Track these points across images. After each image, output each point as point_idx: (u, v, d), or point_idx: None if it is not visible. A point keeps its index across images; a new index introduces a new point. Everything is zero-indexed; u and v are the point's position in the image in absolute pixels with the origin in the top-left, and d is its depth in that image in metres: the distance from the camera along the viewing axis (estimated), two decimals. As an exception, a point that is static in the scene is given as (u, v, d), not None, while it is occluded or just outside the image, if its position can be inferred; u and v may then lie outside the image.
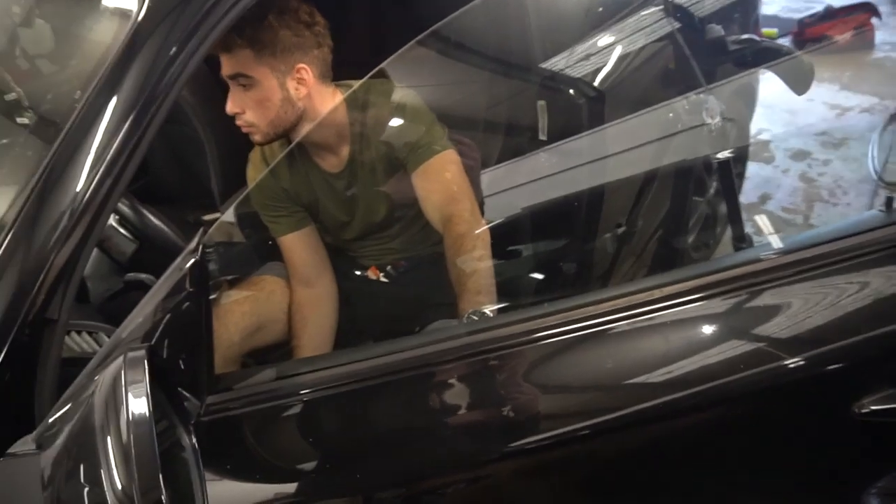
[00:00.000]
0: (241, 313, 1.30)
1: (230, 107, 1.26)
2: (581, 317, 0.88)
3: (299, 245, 1.42)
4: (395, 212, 1.44)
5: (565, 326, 0.87)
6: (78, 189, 0.93)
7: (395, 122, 1.34)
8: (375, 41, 2.02)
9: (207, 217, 2.04)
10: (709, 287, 0.91)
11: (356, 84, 1.36)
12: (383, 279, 1.53)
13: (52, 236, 0.91)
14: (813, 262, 0.92)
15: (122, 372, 0.62)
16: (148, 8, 1.02)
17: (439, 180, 1.32)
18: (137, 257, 1.23)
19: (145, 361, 0.63)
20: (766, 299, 0.91)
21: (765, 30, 2.61)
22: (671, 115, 1.37)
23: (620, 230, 1.41)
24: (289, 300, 1.41)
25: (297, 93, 1.26)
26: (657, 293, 0.89)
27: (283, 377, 0.84)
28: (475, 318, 1.15)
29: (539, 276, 1.44)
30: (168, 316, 0.73)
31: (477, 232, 1.27)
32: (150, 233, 1.20)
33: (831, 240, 0.95)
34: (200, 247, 0.73)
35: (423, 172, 1.31)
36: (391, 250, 1.51)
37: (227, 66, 1.23)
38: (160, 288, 0.74)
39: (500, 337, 0.88)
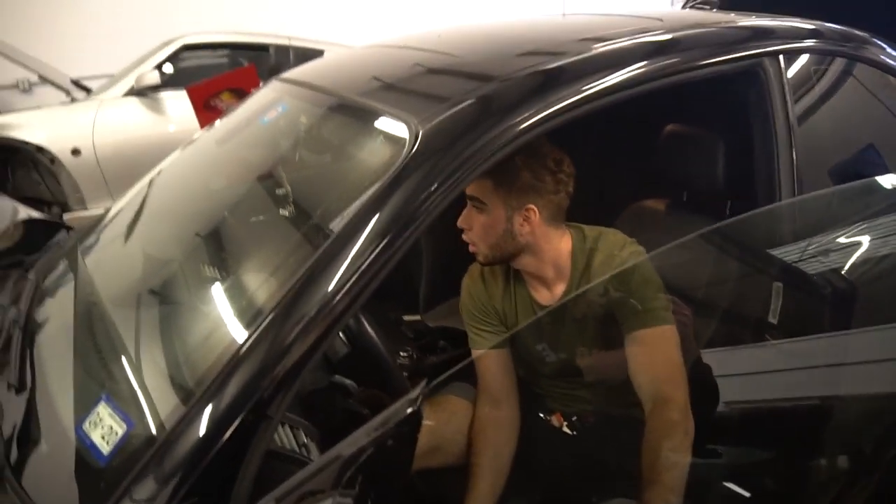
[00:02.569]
0: (421, 432, 1.31)
1: (461, 221, 1.37)
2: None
3: (496, 363, 1.42)
4: (596, 364, 1.40)
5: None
6: (329, 293, 1.01)
7: (622, 276, 1.32)
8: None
9: (408, 318, 2.15)
10: None
11: (587, 228, 1.40)
12: (566, 429, 1.47)
13: (294, 332, 0.99)
14: None
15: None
16: (419, 146, 1.13)
17: (658, 353, 1.28)
18: (346, 360, 1.30)
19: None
20: None
21: None
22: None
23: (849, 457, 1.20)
24: (469, 422, 1.40)
25: (521, 229, 1.33)
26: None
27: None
28: None
29: (736, 488, 1.28)
30: (375, 455, 0.75)
31: (687, 427, 1.19)
32: (364, 341, 1.27)
33: None
34: (420, 397, 0.75)
35: (642, 339, 1.27)
36: (580, 398, 1.45)
37: (470, 186, 1.33)
38: (376, 425, 0.76)
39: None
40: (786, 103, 1.50)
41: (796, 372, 1.27)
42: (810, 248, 1.35)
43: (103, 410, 1.07)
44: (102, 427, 1.05)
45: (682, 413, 1.20)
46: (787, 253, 1.33)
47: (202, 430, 0.96)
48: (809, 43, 1.61)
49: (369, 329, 1.28)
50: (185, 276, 1.43)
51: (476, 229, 1.35)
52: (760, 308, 1.31)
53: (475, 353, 1.47)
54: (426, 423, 1.27)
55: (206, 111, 3.10)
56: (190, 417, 0.97)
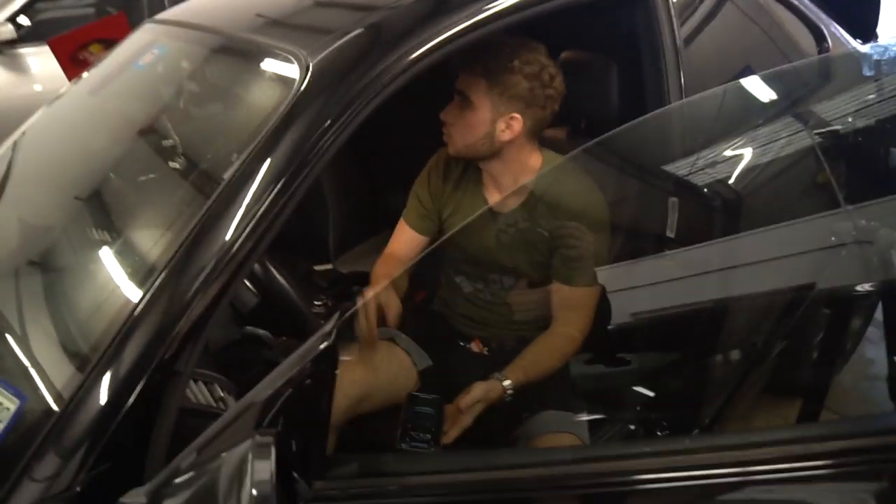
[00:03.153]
0: (351, 381, 1.31)
1: (444, 114, 1.38)
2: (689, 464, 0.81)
3: (411, 243, 1.53)
4: (521, 280, 1.46)
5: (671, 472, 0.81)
6: (226, 242, 0.97)
7: (575, 222, 1.38)
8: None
9: (319, 267, 2.11)
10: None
11: (558, 158, 1.43)
12: (486, 353, 1.51)
13: (194, 286, 0.95)
14: None
15: (250, 456, 0.62)
16: (308, 81, 1.07)
17: (579, 307, 1.38)
18: (257, 310, 1.26)
19: (272, 449, 0.63)
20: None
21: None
22: (818, 230, 1.28)
23: (743, 351, 1.31)
24: (399, 368, 1.43)
25: (502, 134, 1.35)
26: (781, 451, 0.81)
27: (393, 473, 0.82)
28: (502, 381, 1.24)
29: (645, 390, 1.37)
30: (293, 396, 0.73)
31: (577, 347, 1.35)
32: (273, 289, 1.23)
33: None
34: (335, 331, 0.73)
35: (567, 293, 1.38)
36: (498, 316, 1.50)
37: (460, 81, 1.35)
38: (291, 364, 0.74)
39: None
40: (672, 26, 1.53)
41: (694, 279, 1.35)
42: (697, 160, 1.42)
43: (-11, 388, 0.99)
44: (-10, 406, 0.97)
45: (580, 335, 1.34)
46: (676, 166, 1.39)
47: (105, 396, 0.90)
48: (692, -38, 1.65)
49: (279, 277, 1.24)
50: (70, 241, 1.32)
51: (458, 125, 1.37)
52: (658, 221, 1.38)
53: (401, 223, 1.55)
54: (344, 359, 1.28)
55: (74, 66, 2.83)
56: (89, 384, 0.91)
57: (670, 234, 1.39)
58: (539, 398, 1.37)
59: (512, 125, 1.33)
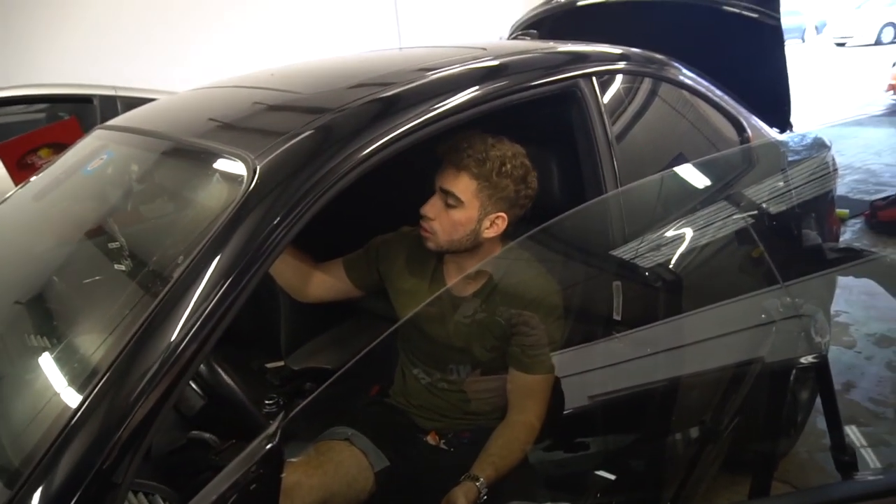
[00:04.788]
0: (308, 487, 1.27)
1: (427, 209, 1.40)
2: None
3: (338, 280, 1.57)
4: (477, 369, 1.47)
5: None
6: (172, 342, 0.95)
7: (530, 309, 1.40)
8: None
9: (270, 365, 2.06)
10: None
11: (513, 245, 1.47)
12: (443, 446, 1.48)
13: (137, 389, 0.91)
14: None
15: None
16: (256, 182, 1.10)
17: (535, 394, 1.39)
18: (203, 413, 1.22)
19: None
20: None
21: (838, 210, 2.61)
22: (755, 307, 1.33)
23: (697, 430, 1.32)
24: (357, 470, 1.40)
25: (485, 232, 1.40)
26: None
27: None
28: (475, 482, 1.23)
29: (606, 474, 1.36)
30: (240, 499, 0.70)
31: (536, 434, 1.35)
32: (221, 391, 1.20)
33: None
34: (279, 432, 0.72)
35: (524, 380, 1.39)
36: (454, 406, 1.49)
37: (447, 179, 1.38)
38: (235, 467, 0.72)
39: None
40: (603, 120, 1.63)
41: (642, 359, 1.38)
42: (640, 244, 1.48)
43: None
44: None
45: (538, 422, 1.36)
46: (619, 250, 1.45)
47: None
48: (620, 65, 1.79)
49: (226, 377, 1.21)
50: (7, 348, 1.28)
51: (443, 222, 1.39)
52: (604, 305, 1.42)
53: (339, 261, 1.59)
54: (291, 461, 1.24)
55: (21, 170, 2.81)
56: (18, 501, 0.86)
57: (616, 316, 1.43)
58: (505, 490, 1.34)
59: (497, 224, 1.40)
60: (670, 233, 1.48)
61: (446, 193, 1.39)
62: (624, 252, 1.45)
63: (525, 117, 1.66)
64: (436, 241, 1.42)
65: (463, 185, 1.37)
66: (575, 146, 1.65)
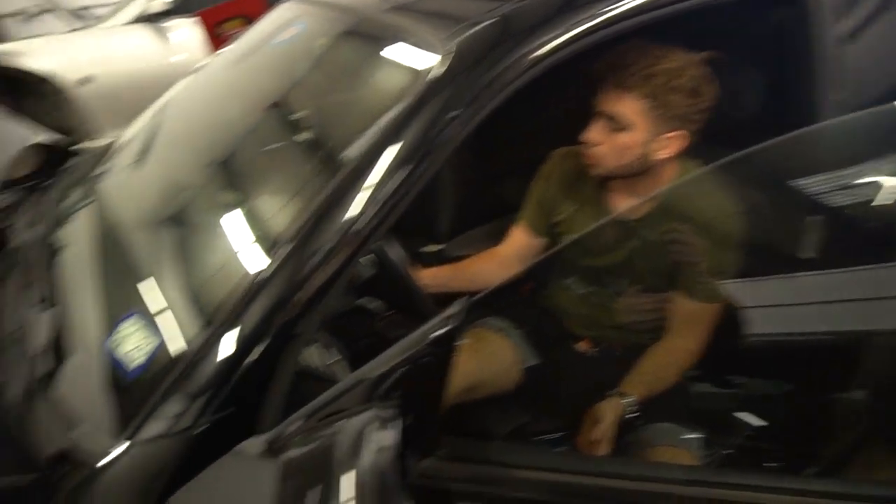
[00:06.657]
0: (462, 373, 1.31)
1: (591, 135, 1.29)
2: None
3: (526, 245, 1.51)
4: (637, 287, 1.42)
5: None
6: (351, 219, 1.01)
7: (705, 238, 1.33)
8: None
9: (427, 249, 2.13)
10: None
11: (693, 167, 1.36)
12: (595, 354, 1.48)
13: (319, 257, 1.00)
14: None
15: (370, 428, 0.64)
16: (442, 70, 1.08)
17: (700, 322, 1.34)
18: (370, 282, 1.29)
19: (394, 422, 0.65)
20: None
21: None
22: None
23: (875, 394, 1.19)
24: (508, 363, 1.43)
25: (657, 155, 1.28)
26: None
27: (500, 463, 0.82)
28: (623, 399, 1.24)
29: (757, 419, 1.30)
30: (409, 374, 0.74)
31: (693, 360, 1.31)
32: (388, 264, 1.25)
33: None
34: (463, 313, 0.74)
35: (690, 306, 1.34)
36: (609, 319, 1.46)
37: (610, 102, 1.25)
38: (410, 342, 0.76)
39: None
40: (826, 25, 1.40)
41: (824, 305, 1.25)
42: (841, 179, 1.31)
43: (130, 328, 1.08)
44: (129, 344, 1.06)
45: (697, 350, 1.32)
46: (817, 184, 1.29)
47: (229, 349, 0.97)
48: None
49: (395, 252, 1.26)
50: (205, 203, 1.41)
51: (608, 147, 1.28)
52: (794, 241, 1.28)
53: (515, 223, 1.52)
54: (467, 358, 1.29)
55: (215, 39, 3.02)
56: (216, 336, 0.98)
57: (808, 255, 1.29)
58: (654, 407, 1.32)
59: (671, 145, 1.27)
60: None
61: (611, 118, 1.26)
62: (828, 190, 1.28)
63: (720, 19, 1.48)
64: (603, 167, 1.31)
65: (627, 107, 1.24)
66: (782, 56, 1.45)
